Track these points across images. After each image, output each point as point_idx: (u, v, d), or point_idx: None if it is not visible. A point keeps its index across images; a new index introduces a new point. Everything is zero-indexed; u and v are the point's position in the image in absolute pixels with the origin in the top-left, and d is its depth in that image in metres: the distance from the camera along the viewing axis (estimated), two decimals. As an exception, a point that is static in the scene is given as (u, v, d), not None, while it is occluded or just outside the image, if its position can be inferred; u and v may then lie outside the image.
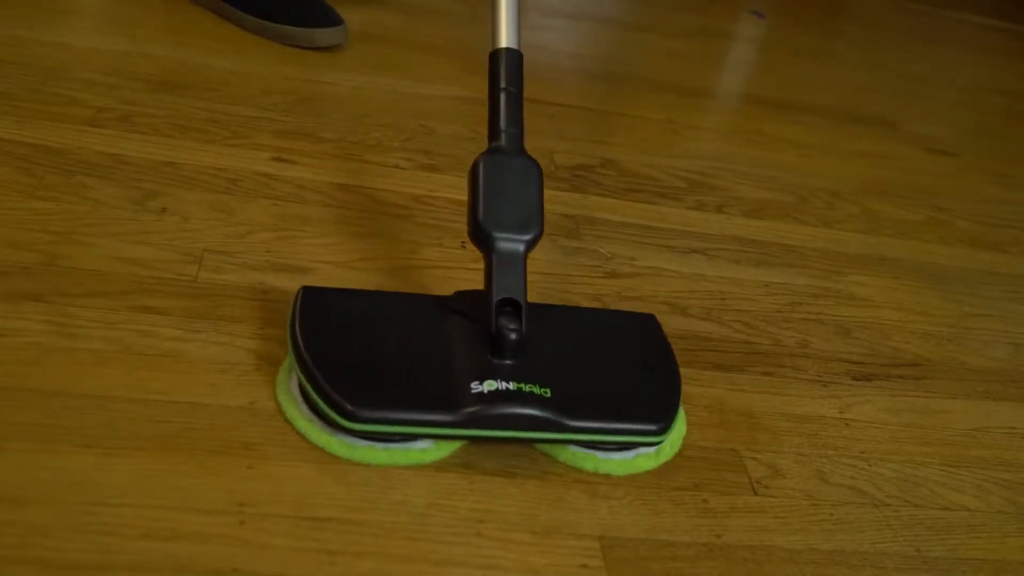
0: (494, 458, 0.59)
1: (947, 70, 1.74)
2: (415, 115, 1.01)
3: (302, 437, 0.56)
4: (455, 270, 0.76)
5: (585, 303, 0.76)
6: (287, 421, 0.57)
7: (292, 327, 0.59)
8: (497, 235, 0.61)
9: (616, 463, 0.60)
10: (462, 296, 0.64)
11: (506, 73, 0.66)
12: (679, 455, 0.62)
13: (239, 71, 1.01)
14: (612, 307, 0.76)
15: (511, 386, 0.57)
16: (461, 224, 0.82)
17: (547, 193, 0.91)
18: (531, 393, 0.57)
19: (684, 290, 0.81)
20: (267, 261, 0.71)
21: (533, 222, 0.62)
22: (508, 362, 0.58)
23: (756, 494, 0.61)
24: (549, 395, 0.57)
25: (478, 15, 1.36)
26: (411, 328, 0.61)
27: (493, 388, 0.56)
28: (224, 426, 0.56)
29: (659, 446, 0.61)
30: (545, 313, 0.64)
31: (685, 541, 0.56)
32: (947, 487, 0.66)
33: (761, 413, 0.68)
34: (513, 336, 0.58)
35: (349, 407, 0.54)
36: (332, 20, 1.11)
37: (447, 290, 0.73)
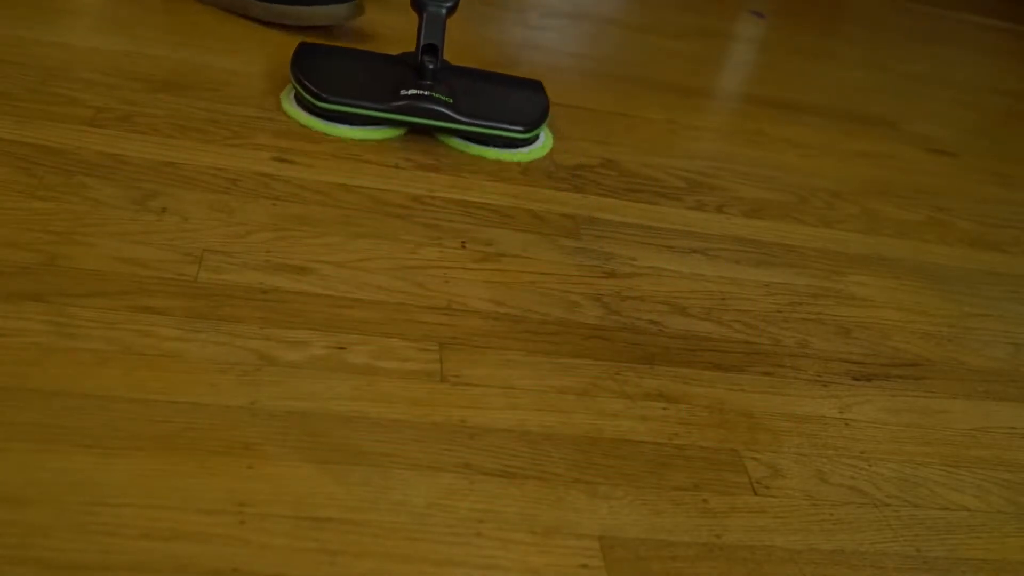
0: (494, 458, 0.59)
1: (947, 70, 1.74)
2: (415, 115, 1.01)
3: (296, 122, 0.89)
4: (455, 270, 0.76)
5: (585, 303, 0.76)
6: (289, 116, 0.91)
7: (292, 62, 0.92)
8: (428, 2, 0.92)
9: (497, 152, 0.93)
10: (406, 54, 0.97)
11: None
12: (679, 455, 0.62)
13: (239, 71, 1.01)
14: (613, 308, 0.76)
15: (425, 92, 0.89)
16: (461, 224, 0.82)
17: (547, 193, 0.91)
18: (439, 98, 0.90)
19: (684, 290, 0.81)
20: (267, 261, 0.71)
21: None
22: (427, 82, 0.91)
23: (756, 494, 0.61)
24: (451, 102, 0.90)
25: (477, 15, 1.36)
26: (368, 63, 0.95)
27: (414, 92, 0.89)
28: (224, 426, 0.56)
29: (530, 148, 0.95)
30: (460, 68, 0.98)
31: (685, 541, 0.56)
32: (947, 487, 0.66)
33: (761, 413, 0.68)
34: (431, 65, 0.91)
35: (322, 94, 0.88)
36: None
37: (447, 290, 0.73)
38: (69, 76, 0.91)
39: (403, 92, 0.89)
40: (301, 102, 0.91)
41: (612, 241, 0.86)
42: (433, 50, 0.91)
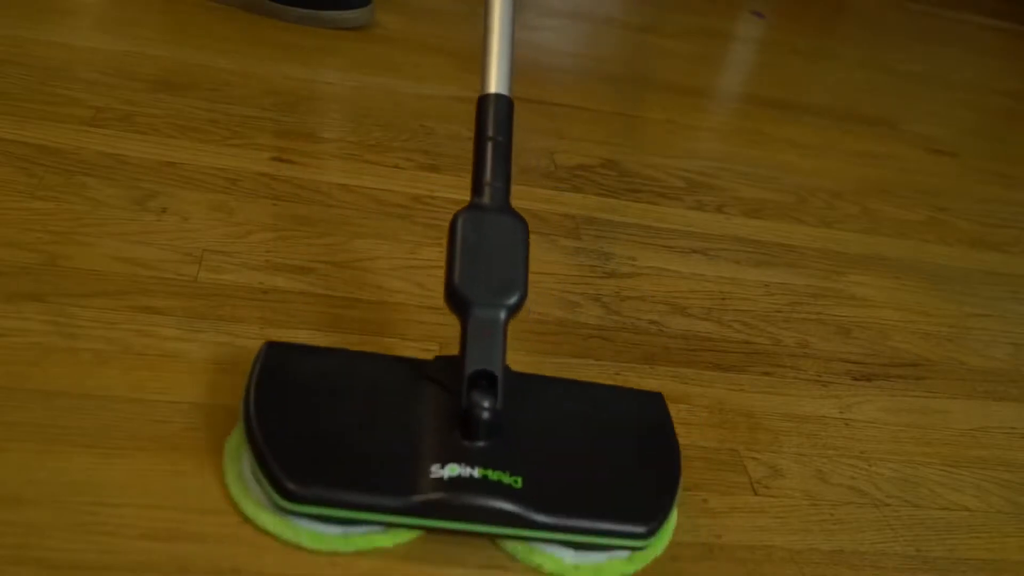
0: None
1: (947, 70, 1.74)
2: (415, 115, 1.01)
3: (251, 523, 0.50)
4: (455, 270, 0.76)
5: (585, 303, 0.76)
6: (234, 499, 0.51)
7: (247, 389, 0.52)
8: (474, 300, 0.54)
9: (586, 568, 0.51)
10: (443, 362, 0.56)
11: (494, 122, 0.60)
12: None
13: (239, 71, 1.01)
14: (613, 308, 0.76)
15: (476, 473, 0.49)
16: (461, 224, 0.82)
17: (546, 193, 0.91)
18: (498, 482, 0.49)
19: (684, 290, 0.81)
20: (267, 261, 0.71)
21: (515, 286, 0.55)
22: (479, 444, 0.51)
23: (756, 494, 0.61)
24: (519, 485, 0.50)
25: (477, 15, 1.36)
26: (380, 396, 0.54)
27: (455, 474, 0.49)
28: (224, 426, 0.56)
29: (646, 548, 0.53)
30: (531, 385, 0.57)
31: (685, 541, 0.56)
32: (947, 487, 0.66)
33: (761, 413, 0.68)
34: (485, 415, 0.51)
35: (289, 484, 0.48)
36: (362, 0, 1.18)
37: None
38: (69, 76, 0.91)
39: (435, 472, 0.50)
40: (259, 482, 0.50)
41: (612, 241, 0.86)
42: (490, 383, 0.53)
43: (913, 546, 0.60)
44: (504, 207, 0.58)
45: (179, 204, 0.75)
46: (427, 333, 0.68)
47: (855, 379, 0.75)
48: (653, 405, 0.60)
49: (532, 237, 0.83)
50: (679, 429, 0.64)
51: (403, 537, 0.50)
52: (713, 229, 0.92)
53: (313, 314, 0.67)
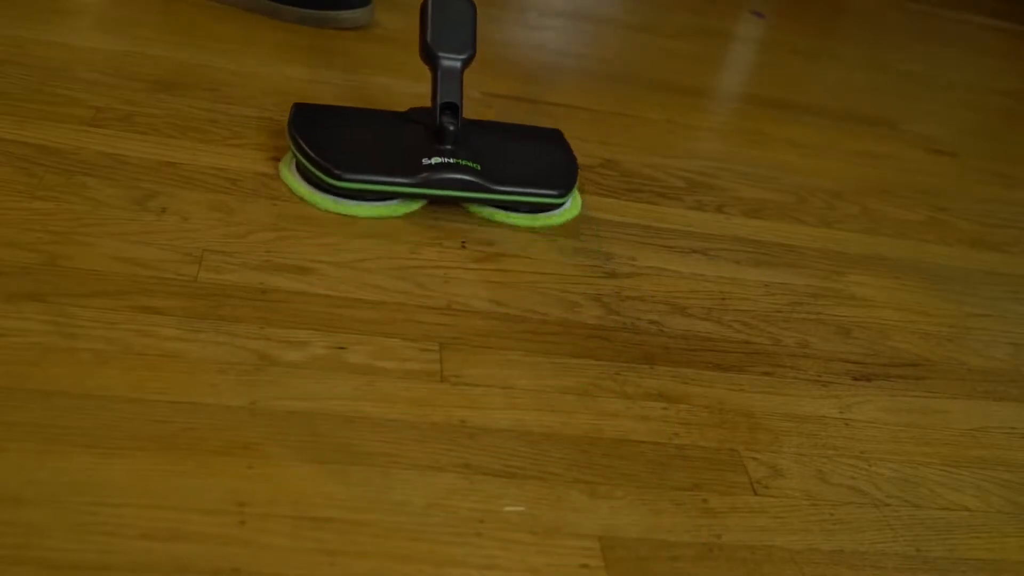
0: (494, 458, 0.59)
1: (947, 70, 1.74)
2: (415, 115, 1.01)
3: (301, 200, 0.78)
4: (455, 270, 0.76)
5: (585, 303, 0.76)
6: (292, 191, 0.79)
7: (290, 128, 0.80)
8: (441, 55, 0.81)
9: (527, 218, 0.83)
10: (415, 110, 0.86)
11: None
12: (679, 455, 0.62)
13: (239, 71, 1.01)
14: (613, 308, 0.76)
15: (451, 160, 0.78)
16: (461, 224, 0.82)
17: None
18: (466, 165, 0.79)
19: (684, 290, 0.81)
20: (267, 261, 0.71)
21: (467, 45, 0.82)
22: (448, 147, 0.79)
23: (756, 494, 0.61)
24: (479, 168, 0.79)
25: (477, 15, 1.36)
26: (378, 127, 0.83)
27: (439, 161, 0.78)
28: (224, 426, 0.56)
29: (561, 209, 0.85)
30: (477, 122, 0.88)
31: (685, 541, 0.56)
32: (947, 487, 0.66)
33: (761, 413, 0.68)
34: (451, 127, 0.79)
35: (336, 171, 0.76)
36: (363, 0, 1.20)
37: (447, 290, 0.73)
38: (69, 76, 0.91)
39: (425, 161, 0.78)
40: (308, 177, 0.79)
41: (612, 241, 0.86)
42: (453, 109, 0.80)
43: (913, 546, 0.60)
44: None
45: (179, 204, 0.75)
46: (427, 333, 0.68)
47: (855, 379, 0.75)
48: (556, 133, 0.92)
49: (532, 237, 0.83)
50: (679, 429, 0.65)
51: (407, 208, 0.80)
52: (713, 229, 0.92)
53: (313, 314, 0.67)
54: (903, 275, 0.92)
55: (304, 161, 0.78)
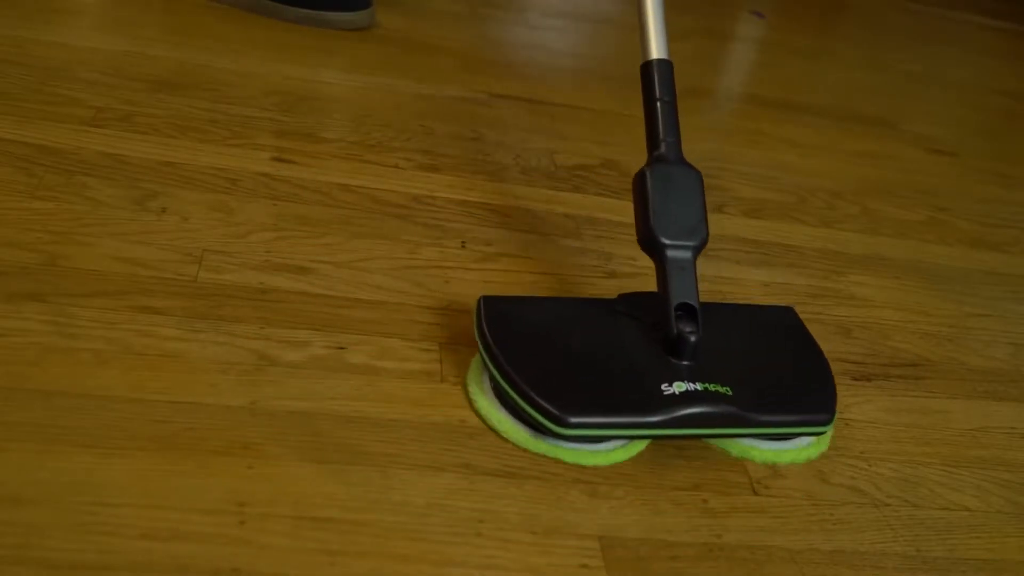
0: (494, 458, 0.59)
1: (947, 70, 1.74)
2: (415, 115, 1.01)
3: (513, 444, 0.60)
4: (455, 270, 0.76)
5: (585, 303, 0.76)
6: (490, 423, 0.61)
7: (487, 339, 0.62)
8: (667, 242, 0.64)
9: (788, 452, 0.64)
10: (627, 299, 0.67)
11: (660, 83, 0.69)
12: (679, 455, 0.62)
13: (239, 71, 1.01)
14: (612, 307, 0.76)
15: (698, 387, 0.60)
16: (461, 224, 0.82)
17: (547, 193, 0.91)
18: (716, 392, 0.60)
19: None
20: (267, 261, 0.71)
21: (700, 228, 0.65)
22: (688, 363, 0.62)
23: (756, 494, 0.61)
24: (731, 393, 0.60)
25: (478, 15, 1.36)
26: (592, 332, 0.65)
27: (683, 389, 0.60)
28: (224, 426, 0.56)
29: (822, 435, 0.66)
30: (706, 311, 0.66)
31: (685, 541, 0.56)
32: (947, 487, 0.66)
33: (761, 413, 0.68)
34: (693, 339, 0.62)
35: (559, 415, 0.57)
36: (363, 2, 1.20)
37: (447, 290, 0.73)
38: (69, 76, 0.91)
39: (666, 389, 0.60)
40: (518, 413, 0.60)
41: (612, 241, 0.86)
42: (691, 313, 0.63)
43: (913, 546, 0.60)
44: (680, 159, 0.68)
45: (179, 204, 0.75)
46: (427, 333, 0.68)
47: (855, 379, 0.75)
48: (790, 317, 0.72)
49: (532, 237, 0.83)
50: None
51: (639, 448, 0.62)
52: (713, 229, 0.92)
53: (313, 314, 0.67)
54: (903, 275, 0.92)
55: (511, 392, 0.60)
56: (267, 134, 0.89)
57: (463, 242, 0.80)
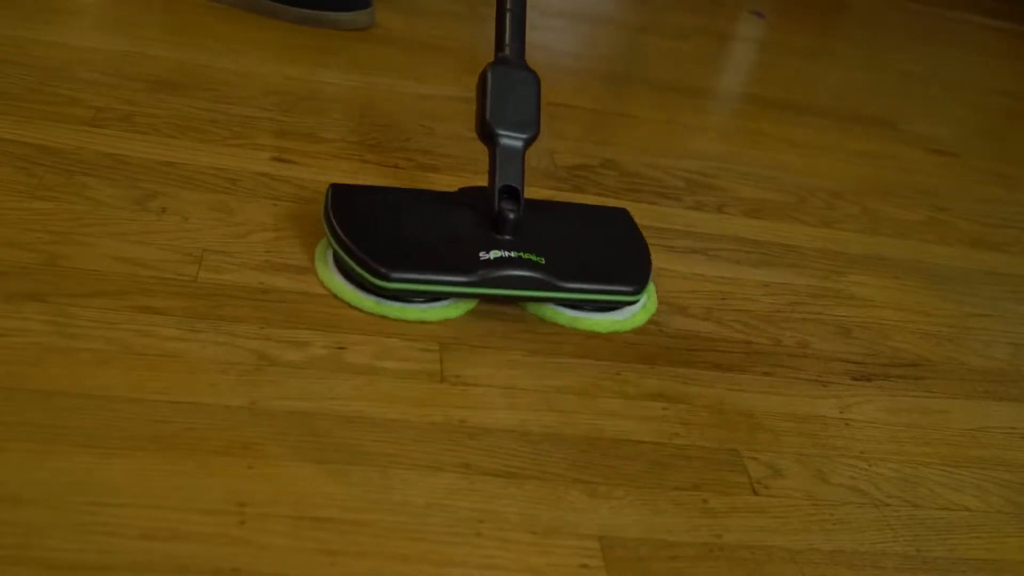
0: (494, 458, 0.59)
1: (947, 70, 1.74)
2: (415, 115, 1.01)
3: (344, 303, 0.67)
4: (455, 270, 0.76)
5: (585, 303, 0.76)
6: (331, 292, 0.68)
7: (327, 214, 0.70)
8: (500, 132, 0.71)
9: (592, 321, 0.72)
10: (465, 191, 0.76)
11: None
12: (679, 455, 0.62)
13: (239, 71, 1.01)
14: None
15: (512, 254, 0.68)
16: (461, 224, 0.82)
17: (547, 193, 0.91)
18: (528, 260, 0.68)
19: (684, 290, 0.81)
20: (267, 261, 0.71)
21: (531, 124, 0.72)
22: (508, 237, 0.69)
23: (756, 494, 0.61)
24: (543, 262, 0.68)
25: (478, 15, 1.36)
26: (426, 213, 0.72)
27: (499, 256, 0.67)
28: (224, 426, 0.56)
29: (632, 309, 0.74)
30: (536, 203, 0.75)
31: (685, 541, 0.56)
32: (947, 487, 0.66)
33: (761, 413, 0.68)
34: (512, 215, 0.69)
35: (382, 269, 0.65)
36: (363, 2, 1.20)
37: (447, 290, 0.73)
38: (69, 76, 0.91)
39: (483, 256, 0.67)
40: (349, 275, 0.68)
41: (612, 241, 0.86)
42: (514, 194, 0.70)
43: (913, 546, 0.60)
44: (521, 63, 0.74)
45: (179, 204, 0.75)
46: (427, 333, 0.68)
47: (855, 379, 0.75)
48: (623, 215, 0.79)
49: (532, 237, 0.83)
50: (678, 429, 0.65)
51: (462, 309, 0.69)
52: (713, 229, 0.92)
53: (313, 314, 0.67)
54: (903, 275, 0.92)
55: (344, 255, 0.67)
56: (267, 134, 0.89)
57: (463, 242, 0.80)
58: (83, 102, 0.87)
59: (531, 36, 1.37)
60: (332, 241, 0.69)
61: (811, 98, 1.38)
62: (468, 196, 0.75)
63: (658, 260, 0.84)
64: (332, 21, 1.17)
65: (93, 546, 0.47)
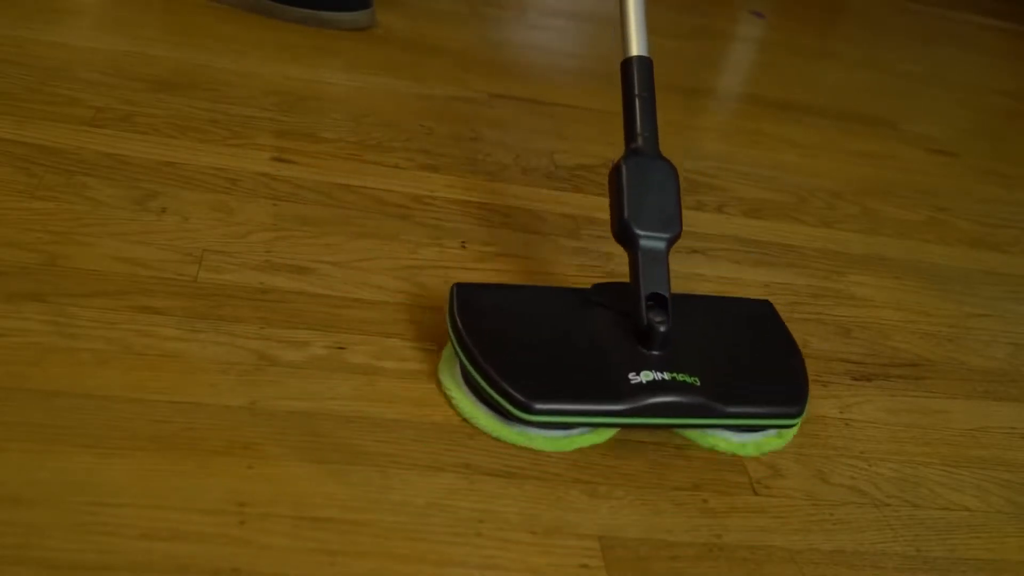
0: (494, 458, 0.59)
1: (947, 70, 1.74)
2: (415, 115, 1.01)
3: (484, 432, 0.60)
4: (455, 270, 0.76)
5: (585, 303, 0.76)
6: (457, 409, 0.62)
7: (453, 322, 0.62)
8: (641, 233, 0.64)
9: (752, 444, 0.64)
10: (601, 288, 0.68)
11: (639, 79, 0.71)
12: (679, 455, 0.62)
13: (239, 71, 1.01)
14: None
15: (666, 376, 0.60)
16: (461, 224, 0.82)
17: (547, 193, 0.91)
18: (683, 382, 0.60)
19: (684, 290, 0.81)
20: (267, 261, 0.71)
21: (674, 221, 0.66)
22: (657, 353, 0.62)
23: (756, 494, 0.61)
24: (699, 383, 0.61)
25: (478, 15, 1.36)
26: (561, 320, 0.65)
27: (651, 379, 0.60)
28: (224, 426, 0.56)
29: (783, 432, 0.66)
30: (675, 299, 0.65)
31: (685, 541, 0.56)
32: (947, 487, 0.66)
33: (761, 413, 0.68)
34: (662, 328, 0.61)
35: (525, 400, 0.58)
36: (363, 2, 1.20)
37: (446, 289, 0.73)
38: (69, 76, 0.91)
39: (633, 378, 0.60)
40: (485, 398, 0.60)
41: (612, 241, 0.86)
42: (662, 303, 0.63)
43: (913, 546, 0.60)
44: (657, 153, 0.68)
45: (179, 204, 0.75)
46: (427, 333, 0.68)
47: (855, 379, 0.75)
48: (768, 311, 0.71)
49: (533, 237, 0.83)
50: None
51: (608, 435, 0.62)
52: (713, 229, 0.92)
53: (313, 314, 0.67)
54: (903, 275, 0.92)
55: (479, 378, 0.60)
56: (267, 134, 0.89)
57: (463, 242, 0.80)
58: (83, 102, 0.87)
59: (531, 36, 1.37)
60: (465, 361, 0.61)
61: (811, 98, 1.38)
62: (604, 296, 0.67)
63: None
64: (332, 21, 1.17)
65: (93, 546, 0.47)
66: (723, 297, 0.77)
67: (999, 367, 0.81)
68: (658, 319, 0.62)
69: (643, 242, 0.64)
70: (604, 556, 0.54)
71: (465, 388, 0.62)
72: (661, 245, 0.64)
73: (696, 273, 0.84)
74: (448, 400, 0.62)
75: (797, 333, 0.79)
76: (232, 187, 0.79)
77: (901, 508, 0.63)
